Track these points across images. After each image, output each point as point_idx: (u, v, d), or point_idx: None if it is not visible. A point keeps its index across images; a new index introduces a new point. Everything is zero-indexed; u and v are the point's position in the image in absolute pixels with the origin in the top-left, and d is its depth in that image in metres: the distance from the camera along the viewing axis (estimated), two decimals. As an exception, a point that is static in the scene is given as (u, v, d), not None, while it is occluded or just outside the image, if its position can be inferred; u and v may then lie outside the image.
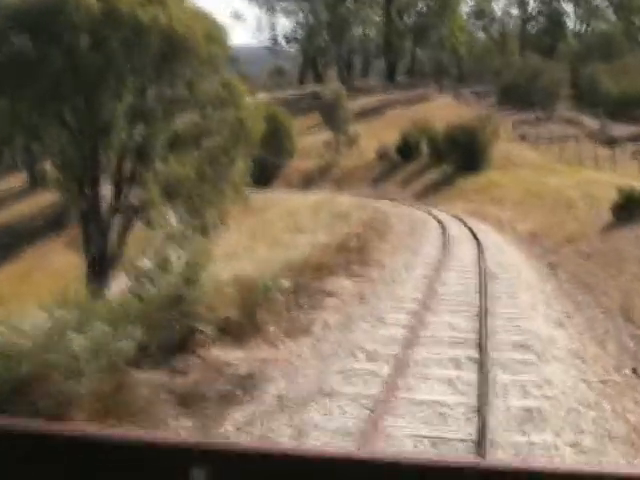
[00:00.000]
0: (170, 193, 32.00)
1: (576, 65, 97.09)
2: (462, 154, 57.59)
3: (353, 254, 24.40)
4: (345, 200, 49.46)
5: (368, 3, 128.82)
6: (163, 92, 32.97)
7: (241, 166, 36.41)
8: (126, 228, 32.61)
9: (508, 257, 27.22)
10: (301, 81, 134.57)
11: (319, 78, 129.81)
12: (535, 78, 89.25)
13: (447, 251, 27.05)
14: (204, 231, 28.75)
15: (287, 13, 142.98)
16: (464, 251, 27.49)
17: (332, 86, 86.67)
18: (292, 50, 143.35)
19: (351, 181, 70.90)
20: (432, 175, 61.29)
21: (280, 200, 61.01)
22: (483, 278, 20.09)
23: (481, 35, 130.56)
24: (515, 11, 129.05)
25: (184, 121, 34.44)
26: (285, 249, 26.33)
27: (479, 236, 30.88)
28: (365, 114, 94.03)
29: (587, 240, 28.45)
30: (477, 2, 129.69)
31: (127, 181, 32.89)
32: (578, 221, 33.67)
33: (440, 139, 62.92)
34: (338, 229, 34.06)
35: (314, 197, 56.70)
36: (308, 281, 18.23)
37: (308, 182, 76.39)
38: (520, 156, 62.48)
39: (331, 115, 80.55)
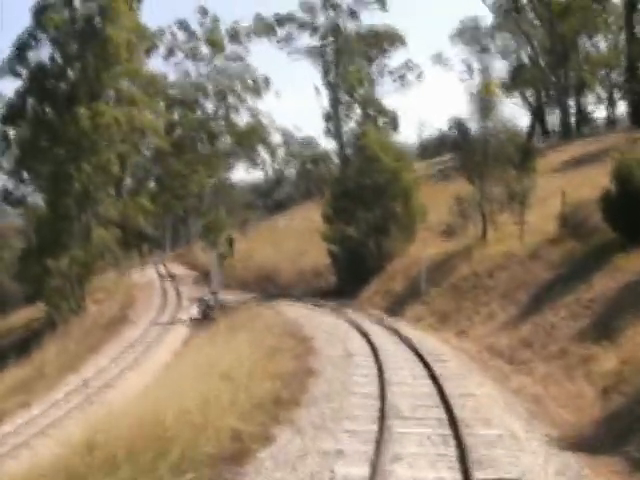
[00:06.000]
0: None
1: None
2: None
3: None
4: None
5: (599, 14, 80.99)
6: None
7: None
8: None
9: None
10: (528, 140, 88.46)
11: (546, 133, 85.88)
12: None
13: None
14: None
15: (504, 53, 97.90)
16: None
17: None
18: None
19: (489, 289, 25.34)
20: None
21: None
22: None
23: None
24: None
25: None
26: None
27: None
28: (576, 163, 47.86)
29: None
30: None
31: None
32: None
33: None
34: None
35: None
36: None
37: (413, 288, 31.64)
38: None
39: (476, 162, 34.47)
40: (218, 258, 42.82)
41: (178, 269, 61.33)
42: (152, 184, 77.45)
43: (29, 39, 45.69)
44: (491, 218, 33.07)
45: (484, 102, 33.25)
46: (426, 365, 16.38)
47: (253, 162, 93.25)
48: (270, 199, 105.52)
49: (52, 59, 46.19)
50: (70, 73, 46.02)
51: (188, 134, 74.83)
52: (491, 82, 37.32)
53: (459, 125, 36.88)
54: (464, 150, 34.99)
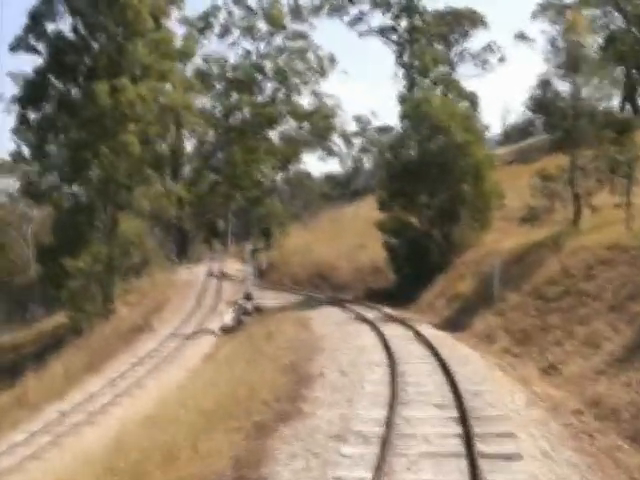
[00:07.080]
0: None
1: None
2: None
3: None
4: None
5: None
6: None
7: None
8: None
9: None
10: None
11: (637, 112, 75.24)
12: None
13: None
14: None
15: (597, 27, 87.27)
16: None
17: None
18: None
19: (588, 297, 17.34)
20: None
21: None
22: None
23: None
24: None
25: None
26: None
27: None
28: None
29: None
30: None
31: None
32: None
33: None
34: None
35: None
36: None
37: (485, 290, 23.89)
38: None
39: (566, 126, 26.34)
40: (251, 255, 35.74)
41: (234, 266, 54.50)
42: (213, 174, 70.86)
43: (44, 7, 39.51)
44: (586, 198, 25.00)
45: (573, 47, 25.16)
46: (474, 473, 8.54)
47: (328, 151, 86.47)
48: (347, 189, 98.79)
49: (74, 29, 39.95)
50: (93, 44, 39.66)
51: (248, 119, 68.15)
52: (579, 17, 28.84)
53: (546, 84, 29.09)
54: (552, 112, 27.02)
